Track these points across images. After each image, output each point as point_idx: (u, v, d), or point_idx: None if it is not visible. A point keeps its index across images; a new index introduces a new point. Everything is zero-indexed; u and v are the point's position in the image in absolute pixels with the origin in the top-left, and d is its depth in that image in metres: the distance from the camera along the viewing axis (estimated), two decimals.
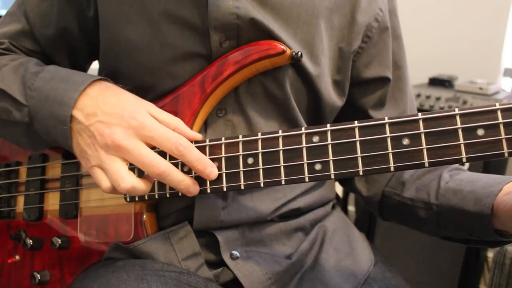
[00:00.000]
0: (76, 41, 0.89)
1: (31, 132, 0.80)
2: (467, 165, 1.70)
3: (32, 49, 0.89)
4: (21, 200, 0.91)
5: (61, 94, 0.75)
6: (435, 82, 2.01)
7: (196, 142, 0.75)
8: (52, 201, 0.88)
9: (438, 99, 1.88)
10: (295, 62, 0.78)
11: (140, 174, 0.73)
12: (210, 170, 0.71)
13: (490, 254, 1.98)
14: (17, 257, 0.91)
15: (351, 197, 2.30)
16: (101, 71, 0.90)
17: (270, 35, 0.76)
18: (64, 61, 0.92)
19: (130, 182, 0.70)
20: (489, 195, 0.73)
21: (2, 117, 0.81)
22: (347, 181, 1.00)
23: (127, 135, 0.69)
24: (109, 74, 0.86)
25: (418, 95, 1.91)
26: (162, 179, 0.70)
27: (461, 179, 0.81)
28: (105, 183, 0.71)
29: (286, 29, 0.78)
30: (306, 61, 0.79)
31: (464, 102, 1.83)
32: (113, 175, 0.70)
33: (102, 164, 0.71)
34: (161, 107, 0.80)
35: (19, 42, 0.89)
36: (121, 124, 0.70)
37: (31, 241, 0.86)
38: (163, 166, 0.69)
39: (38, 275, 0.85)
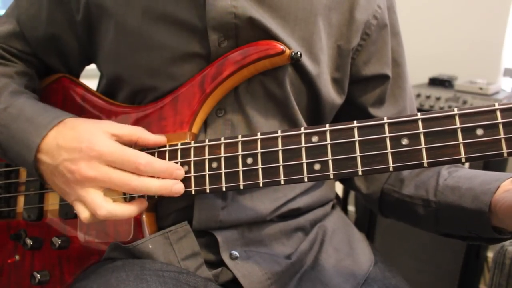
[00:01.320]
0: (66, 45, 0.89)
1: (8, 159, 0.83)
2: (467, 165, 1.69)
3: (23, 50, 0.91)
4: (21, 200, 0.91)
5: (25, 137, 0.77)
6: (435, 82, 2.01)
7: (196, 142, 0.75)
8: (52, 201, 0.88)
9: (438, 99, 1.88)
10: (294, 62, 0.78)
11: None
12: (176, 173, 0.73)
13: (490, 254, 1.97)
14: (17, 257, 0.91)
15: (351, 197, 2.30)
16: (102, 75, 0.91)
17: (269, 34, 0.76)
18: (57, 63, 0.93)
19: (106, 208, 0.72)
20: (487, 192, 0.73)
21: None
22: (347, 179, 1.00)
23: (92, 166, 0.72)
24: (110, 77, 0.86)
25: (418, 95, 1.91)
26: (140, 193, 0.74)
27: (459, 176, 0.81)
28: (84, 213, 0.74)
29: (284, 28, 0.78)
30: (305, 60, 0.79)
31: (464, 102, 1.83)
32: (89, 205, 0.72)
33: (80, 197, 0.73)
34: (161, 108, 0.80)
35: (11, 43, 0.90)
36: (82, 157, 0.72)
37: (31, 241, 0.86)
38: (134, 182, 0.71)
39: (38, 275, 0.85)
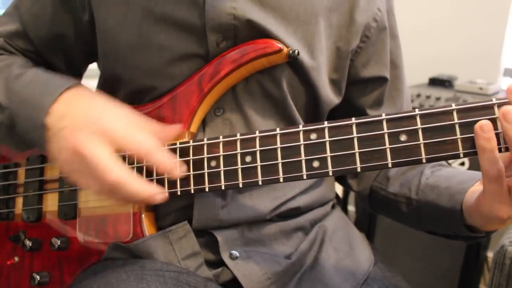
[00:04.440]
0: (71, 44, 0.89)
1: (14, 135, 0.81)
2: (467, 162, 1.70)
3: (26, 49, 0.90)
4: (19, 201, 0.91)
5: (37, 99, 0.75)
6: (435, 82, 2.01)
7: (194, 141, 0.75)
8: (51, 202, 0.88)
9: (438, 99, 1.88)
10: (292, 61, 0.78)
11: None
12: (173, 173, 0.72)
13: (490, 254, 1.97)
14: (16, 258, 0.91)
15: (351, 197, 2.30)
16: (101, 74, 0.90)
17: (268, 35, 0.76)
18: (60, 62, 0.92)
19: (94, 188, 0.70)
20: (461, 191, 0.75)
21: None
22: (340, 176, 1.01)
23: (90, 139, 0.68)
24: (109, 77, 0.86)
25: (418, 95, 1.91)
26: (117, 190, 0.68)
27: (440, 175, 0.83)
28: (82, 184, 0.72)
29: (286, 28, 0.78)
30: (305, 60, 0.79)
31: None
32: (79, 183, 0.71)
33: (72, 169, 0.71)
34: (159, 107, 0.80)
35: (14, 42, 0.90)
36: (84, 128, 0.69)
37: (30, 242, 0.86)
38: (114, 175, 0.66)
39: (38, 276, 0.85)
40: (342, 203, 1.11)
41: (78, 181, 0.71)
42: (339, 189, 1.06)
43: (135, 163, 0.75)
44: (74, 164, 0.69)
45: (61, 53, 0.91)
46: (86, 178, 0.69)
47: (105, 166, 0.67)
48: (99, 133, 0.68)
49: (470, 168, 1.68)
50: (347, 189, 1.05)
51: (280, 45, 0.75)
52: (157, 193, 0.70)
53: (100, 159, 0.67)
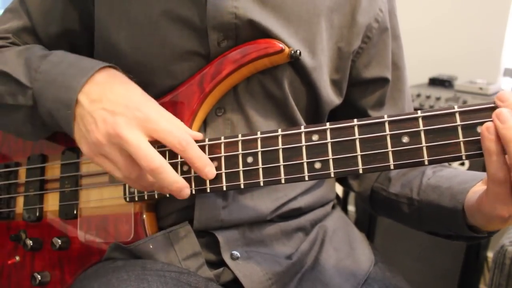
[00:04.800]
0: (79, 38, 0.88)
1: (34, 118, 0.80)
2: (467, 163, 1.70)
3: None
4: (20, 201, 0.91)
5: (69, 79, 0.74)
6: (435, 82, 2.01)
7: (196, 141, 0.75)
8: (52, 202, 0.88)
9: (438, 99, 1.88)
10: (294, 61, 0.78)
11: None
12: (209, 169, 0.71)
13: (490, 254, 1.97)
14: (17, 258, 0.91)
15: (351, 197, 2.30)
16: None
17: (269, 35, 0.76)
18: None
19: (124, 173, 0.70)
20: (463, 191, 0.75)
21: (6, 101, 0.80)
22: (341, 177, 1.01)
23: (130, 125, 0.68)
24: None
25: (418, 95, 1.91)
26: (154, 176, 0.68)
27: (442, 176, 0.83)
28: (109, 168, 0.72)
29: (288, 28, 0.78)
30: (306, 60, 0.79)
31: (464, 102, 1.83)
32: (110, 166, 0.71)
33: (102, 151, 0.70)
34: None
35: (22, 38, 0.88)
36: (125, 113, 0.69)
37: (31, 242, 0.86)
38: (157, 162, 0.67)
39: (39, 276, 0.85)
40: (342, 203, 1.11)
41: (103, 164, 0.71)
42: (339, 189, 1.06)
43: (167, 157, 0.74)
44: (106, 147, 0.69)
45: (68, 48, 0.89)
46: (115, 162, 0.70)
47: (147, 152, 0.67)
48: (140, 121, 0.69)
49: (470, 168, 1.68)
50: (347, 190, 1.06)
51: (282, 45, 0.75)
52: (186, 187, 0.71)
53: (142, 145, 0.67)
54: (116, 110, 0.69)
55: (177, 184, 0.69)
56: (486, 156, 0.59)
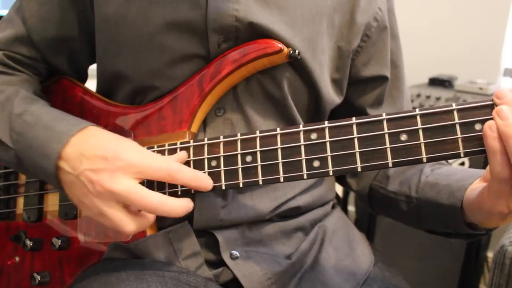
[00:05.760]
0: (78, 44, 0.88)
1: (22, 170, 0.81)
2: (467, 162, 1.70)
3: (29, 56, 0.88)
4: (20, 201, 0.91)
5: (44, 145, 0.73)
6: (435, 82, 2.01)
7: (195, 141, 0.75)
8: (52, 202, 0.88)
9: (438, 99, 1.88)
10: (294, 61, 0.78)
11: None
12: (205, 183, 0.71)
13: (490, 254, 1.97)
14: (17, 258, 0.91)
15: (351, 197, 2.30)
16: (101, 73, 0.89)
17: (270, 36, 0.76)
18: (64, 65, 0.91)
19: (132, 226, 0.69)
20: (461, 188, 0.75)
21: None
22: (340, 176, 1.01)
23: (114, 177, 0.67)
24: (110, 76, 0.86)
25: (418, 95, 1.91)
26: (158, 212, 0.68)
27: (440, 173, 0.83)
28: (117, 227, 0.70)
29: (292, 28, 0.78)
30: (308, 60, 0.80)
31: None
32: (114, 223, 0.69)
33: (101, 211, 0.69)
34: (160, 108, 0.80)
35: (16, 49, 0.87)
36: (106, 167, 0.67)
37: (30, 242, 0.86)
38: (155, 199, 0.67)
39: (38, 276, 0.85)
40: (342, 203, 1.11)
41: (109, 222, 0.69)
42: (339, 189, 1.06)
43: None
44: (102, 206, 0.68)
45: (66, 55, 0.90)
46: (119, 215, 0.68)
47: (141, 195, 0.67)
48: (122, 169, 0.68)
49: (470, 167, 1.68)
50: (346, 189, 1.06)
51: (280, 45, 0.75)
52: (190, 202, 0.71)
53: (131, 191, 0.67)
54: (97, 167, 0.68)
55: (182, 208, 0.69)
56: (490, 155, 0.59)
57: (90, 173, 0.68)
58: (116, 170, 0.67)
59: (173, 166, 0.69)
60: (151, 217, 0.71)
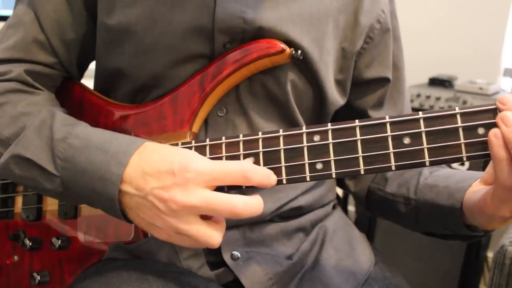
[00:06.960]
0: (90, 45, 0.86)
1: (64, 199, 0.77)
2: (467, 164, 1.70)
3: (47, 63, 0.84)
4: (19, 200, 0.91)
5: (102, 169, 0.66)
6: (435, 82, 2.01)
7: (196, 141, 0.74)
8: (51, 201, 0.87)
9: (438, 99, 1.88)
10: (297, 61, 0.78)
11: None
12: (274, 180, 0.67)
13: (490, 254, 1.97)
14: (16, 257, 0.90)
15: (351, 197, 2.30)
16: (100, 71, 0.88)
17: (277, 37, 0.76)
18: (75, 68, 0.89)
19: (218, 236, 0.64)
20: (460, 190, 0.75)
21: (31, 186, 0.76)
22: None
23: (188, 191, 0.62)
24: (110, 74, 0.85)
25: (418, 95, 1.91)
26: (244, 214, 0.63)
27: (439, 175, 0.84)
28: (193, 244, 0.66)
29: (301, 27, 0.78)
30: (315, 60, 0.80)
31: (464, 102, 1.83)
32: (198, 239, 0.64)
33: (179, 231, 0.64)
34: (160, 107, 0.80)
35: (35, 56, 0.82)
36: (176, 182, 0.62)
37: (30, 241, 0.86)
38: (239, 203, 0.62)
39: (38, 276, 0.85)
40: (342, 203, 1.11)
41: (190, 239, 0.64)
42: (339, 189, 1.06)
43: None
44: (180, 224, 0.63)
45: (77, 56, 0.87)
46: (201, 230, 0.63)
47: (222, 201, 0.62)
48: (193, 181, 0.62)
49: (470, 169, 1.68)
50: (344, 190, 1.06)
51: (283, 46, 0.75)
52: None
53: (211, 200, 0.62)
54: (165, 184, 0.63)
55: (261, 205, 0.64)
56: (495, 163, 0.59)
57: (159, 191, 0.63)
58: (187, 183, 0.62)
59: (246, 166, 0.65)
60: (224, 220, 0.67)
